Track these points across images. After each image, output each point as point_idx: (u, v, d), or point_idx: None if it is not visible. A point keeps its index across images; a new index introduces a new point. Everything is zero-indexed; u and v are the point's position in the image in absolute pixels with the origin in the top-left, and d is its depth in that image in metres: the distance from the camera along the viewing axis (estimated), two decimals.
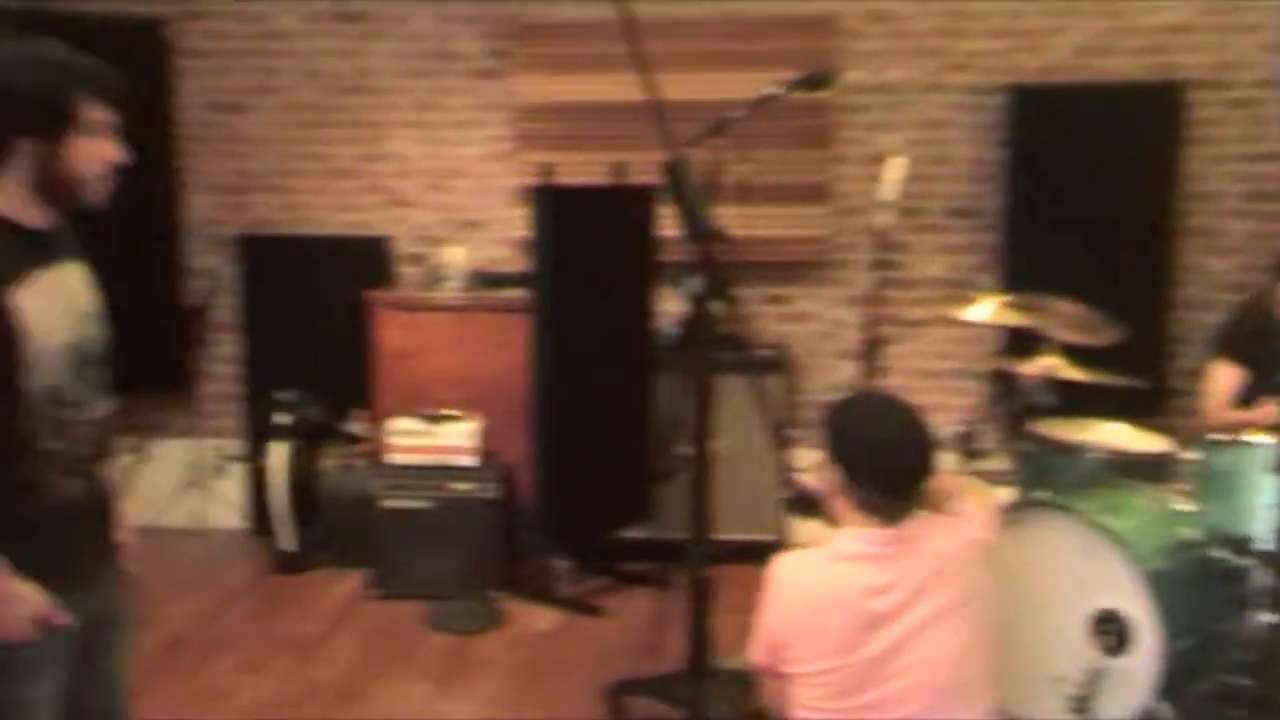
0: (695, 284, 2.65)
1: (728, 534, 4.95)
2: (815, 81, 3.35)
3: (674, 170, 2.64)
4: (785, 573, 2.37)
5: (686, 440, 3.55)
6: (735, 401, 4.94)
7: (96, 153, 2.17)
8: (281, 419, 5.15)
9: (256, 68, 5.48)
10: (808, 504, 2.88)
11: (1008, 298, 4.06)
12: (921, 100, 5.25)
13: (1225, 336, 3.99)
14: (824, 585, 2.32)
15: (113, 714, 2.42)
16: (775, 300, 5.43)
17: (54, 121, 2.12)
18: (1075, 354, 3.93)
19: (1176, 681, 3.32)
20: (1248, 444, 3.33)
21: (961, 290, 5.31)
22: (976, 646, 2.33)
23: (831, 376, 5.37)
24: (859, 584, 2.29)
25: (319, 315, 5.42)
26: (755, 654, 2.44)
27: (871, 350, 4.11)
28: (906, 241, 5.27)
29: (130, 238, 4.62)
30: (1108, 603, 3.35)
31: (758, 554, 4.98)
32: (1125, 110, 5.02)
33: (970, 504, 2.45)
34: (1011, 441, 4.13)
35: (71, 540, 2.24)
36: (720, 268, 2.62)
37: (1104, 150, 4.99)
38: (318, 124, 5.49)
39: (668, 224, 4.79)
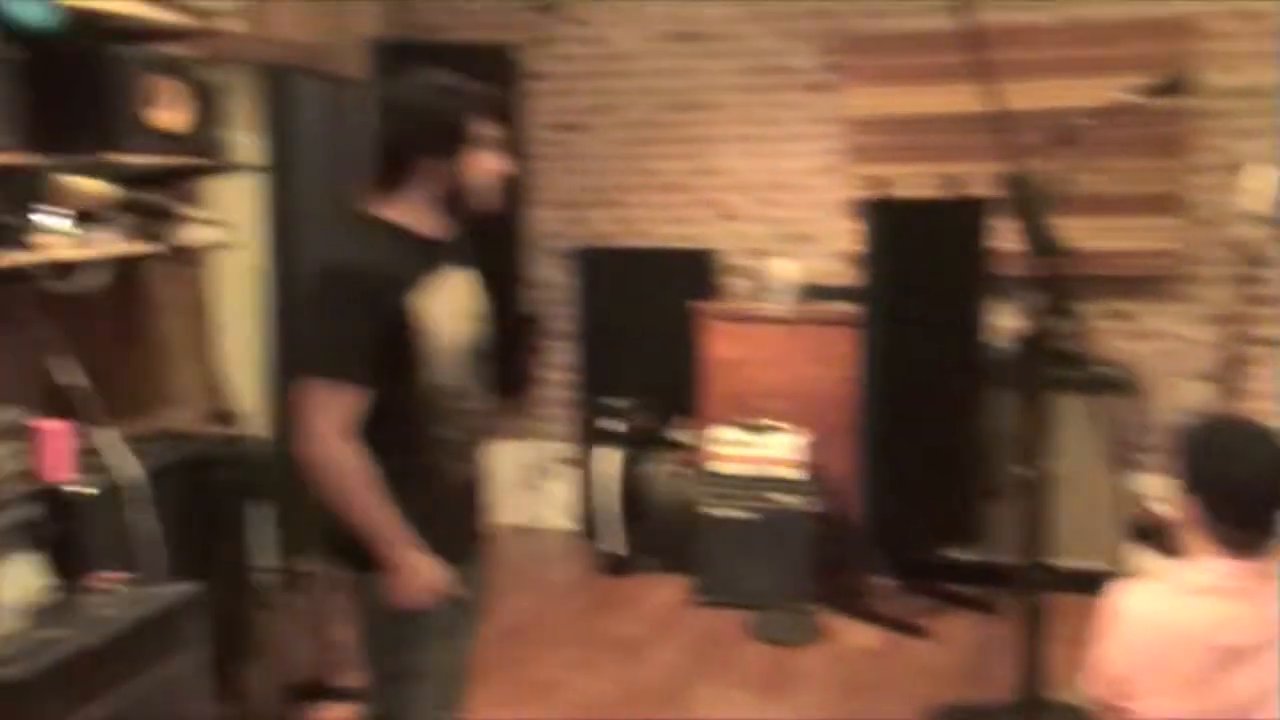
0: (1036, 299, 2.55)
1: (1062, 560, 4.76)
2: (1174, 87, 3.18)
3: (1017, 183, 2.56)
4: (1129, 603, 2.26)
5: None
6: (1075, 422, 4.75)
7: (487, 165, 2.41)
8: (612, 425, 5.34)
9: (597, 88, 5.72)
10: (1152, 533, 2.72)
11: None
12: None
13: None
14: (1172, 619, 2.20)
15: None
16: (1120, 316, 5.15)
17: (452, 141, 2.36)
18: None
19: None
20: None
21: None
22: None
23: (1179, 398, 5.04)
24: (1210, 619, 2.16)
25: (649, 325, 5.58)
26: (1093, 687, 2.33)
27: (1229, 371, 3.84)
28: (1272, 256, 4.87)
29: (479, 250, 4.91)
30: None
31: (1092, 583, 4.76)
32: None
33: None
34: None
35: (457, 521, 2.51)
36: (1063, 282, 2.52)
37: None
38: (652, 140, 5.67)
39: (1003, 237, 4.68)
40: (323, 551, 2.52)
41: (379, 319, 2.29)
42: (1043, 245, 2.56)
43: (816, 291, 5.17)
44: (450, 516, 2.47)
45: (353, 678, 4.05)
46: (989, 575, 4.86)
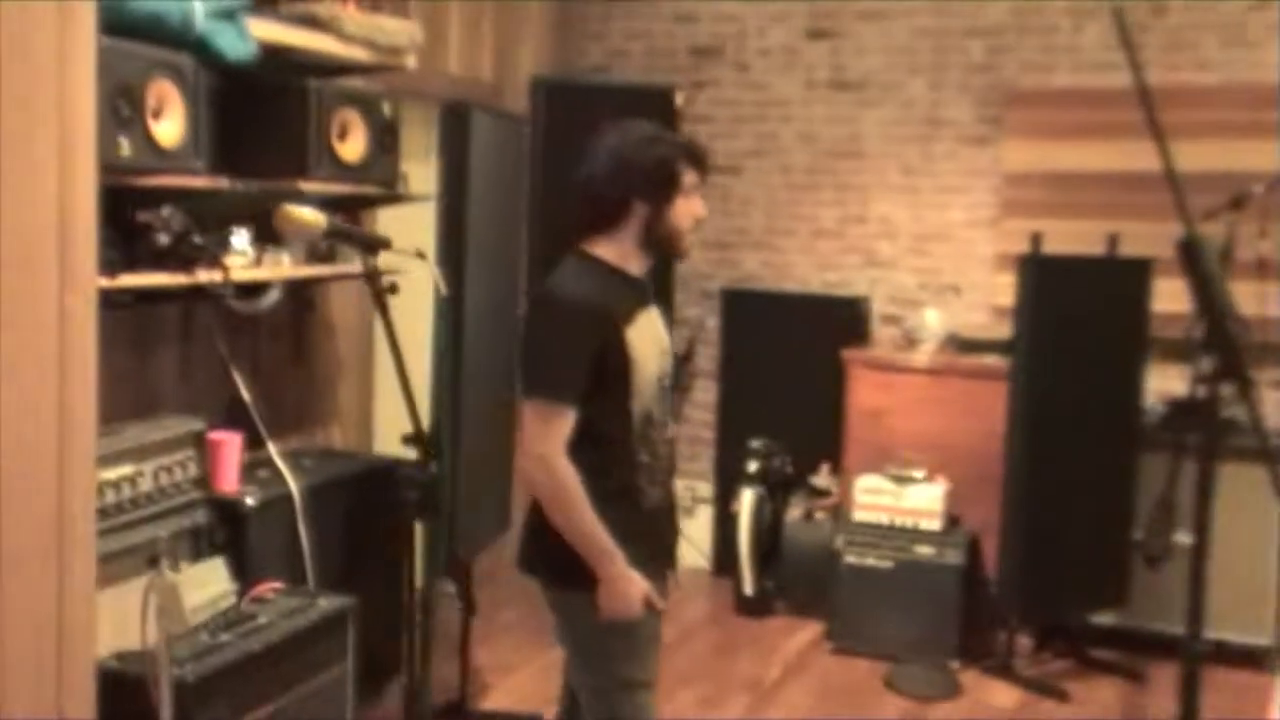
0: (1207, 363, 2.51)
1: (1217, 632, 4.62)
2: None
3: (1192, 247, 2.53)
4: None
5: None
6: (1239, 492, 4.60)
7: (691, 210, 2.62)
8: (751, 466, 5.37)
9: (755, 132, 5.79)
10: None
11: None
12: None
13: None
14: None
15: None
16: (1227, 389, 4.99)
17: (666, 187, 2.56)
18: None
19: None
20: None
21: None
22: None
23: None
24: None
25: (793, 369, 5.60)
26: None
27: None
28: None
29: None
30: None
31: (1250, 658, 4.63)
32: None
33: None
34: None
35: (655, 540, 2.66)
36: (1237, 348, 2.46)
37: None
38: (807, 186, 5.72)
39: (1164, 298, 4.59)
40: (533, 570, 2.68)
41: (596, 347, 2.47)
42: (1216, 310, 2.51)
43: (964, 344, 5.14)
44: (649, 535, 2.62)
45: (490, 699, 4.15)
46: (1133, 641, 4.75)
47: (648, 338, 2.60)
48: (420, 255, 2.71)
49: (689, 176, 2.60)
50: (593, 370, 2.48)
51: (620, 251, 2.61)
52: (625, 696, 2.63)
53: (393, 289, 2.46)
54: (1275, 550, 4.68)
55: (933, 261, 5.51)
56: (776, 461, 5.38)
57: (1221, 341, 2.45)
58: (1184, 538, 4.61)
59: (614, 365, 2.50)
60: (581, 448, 2.48)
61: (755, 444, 5.41)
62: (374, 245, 2.47)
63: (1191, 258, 2.53)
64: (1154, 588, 4.71)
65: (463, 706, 4.12)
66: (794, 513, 5.33)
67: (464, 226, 3.60)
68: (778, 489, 5.37)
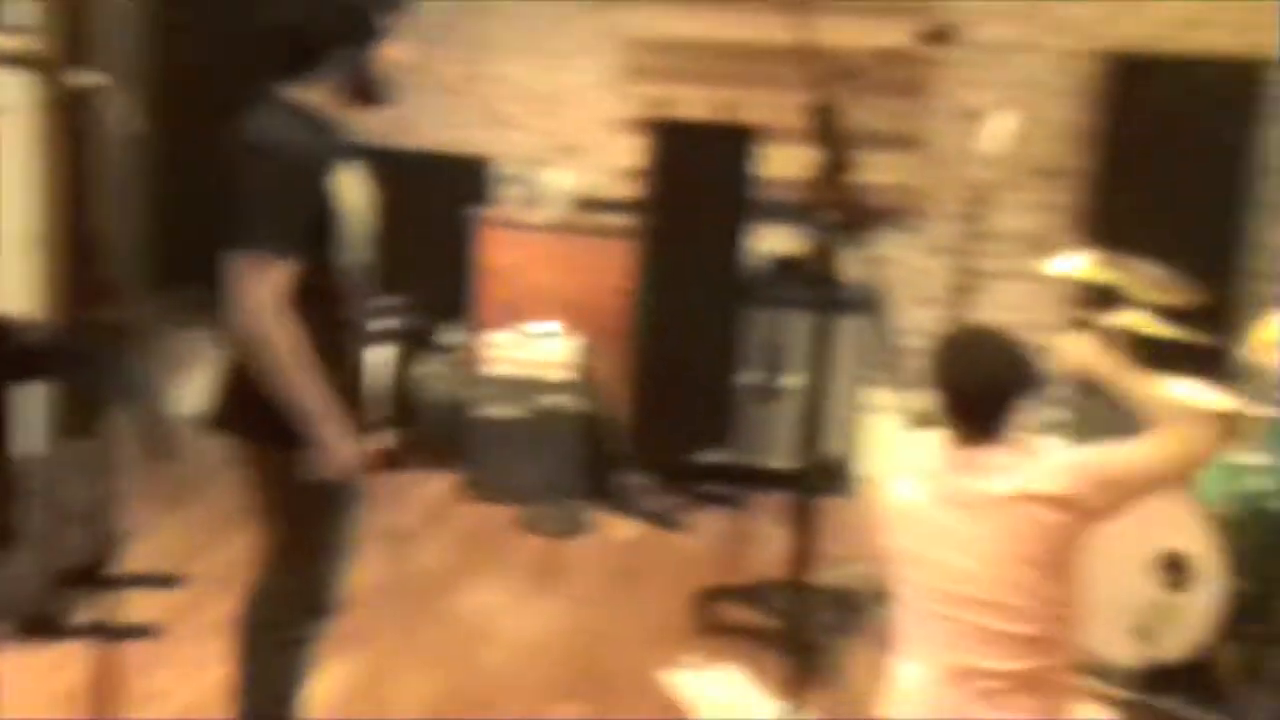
0: (826, 221, 2.86)
1: (800, 463, 5.24)
2: (941, 35, 3.53)
3: (823, 112, 2.85)
4: (886, 488, 2.61)
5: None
6: (819, 338, 5.19)
7: (393, 55, 2.54)
8: (380, 324, 5.41)
9: None
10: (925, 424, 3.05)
11: (1096, 255, 4.27)
12: (1017, 60, 5.43)
13: None
14: (910, 500, 2.53)
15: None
16: (864, 242, 5.64)
17: (365, 29, 2.48)
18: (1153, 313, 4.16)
19: (1235, 622, 3.58)
20: None
21: (1042, 247, 5.53)
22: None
23: (910, 320, 5.59)
24: (935, 500, 2.48)
25: (419, 228, 5.64)
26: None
27: (959, 298, 4.34)
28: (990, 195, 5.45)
29: None
30: (1175, 542, 3.60)
31: (832, 486, 5.28)
32: (1211, 84, 5.19)
33: (1057, 454, 2.54)
34: (1084, 393, 4.38)
35: (357, 400, 2.62)
36: (856, 207, 2.83)
37: (1188, 121, 5.17)
38: (426, 42, 5.69)
39: (774, 165, 5.05)
40: (232, 427, 2.59)
41: (309, 197, 2.40)
42: (841, 171, 2.86)
43: (591, 204, 5.40)
44: (354, 394, 2.58)
45: (125, 564, 4.04)
46: (736, 475, 5.30)
47: (354, 189, 2.55)
48: None
49: (388, 18, 2.52)
50: (305, 221, 2.41)
51: (321, 98, 2.51)
52: (317, 559, 2.62)
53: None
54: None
55: (557, 122, 5.70)
56: (406, 319, 5.46)
57: (844, 200, 2.80)
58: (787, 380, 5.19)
59: (325, 217, 2.44)
60: (292, 303, 2.41)
61: (384, 301, 5.45)
62: None
63: (824, 121, 2.86)
64: (754, 427, 5.27)
65: (95, 571, 4.00)
66: (426, 368, 5.44)
67: None
68: (409, 346, 5.46)
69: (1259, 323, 4.18)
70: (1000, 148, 4.21)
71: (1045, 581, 2.38)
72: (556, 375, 5.10)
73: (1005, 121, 4.21)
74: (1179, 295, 4.30)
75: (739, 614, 4.00)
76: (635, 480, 5.09)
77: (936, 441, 2.52)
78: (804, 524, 3.87)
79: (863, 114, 5.26)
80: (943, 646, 2.44)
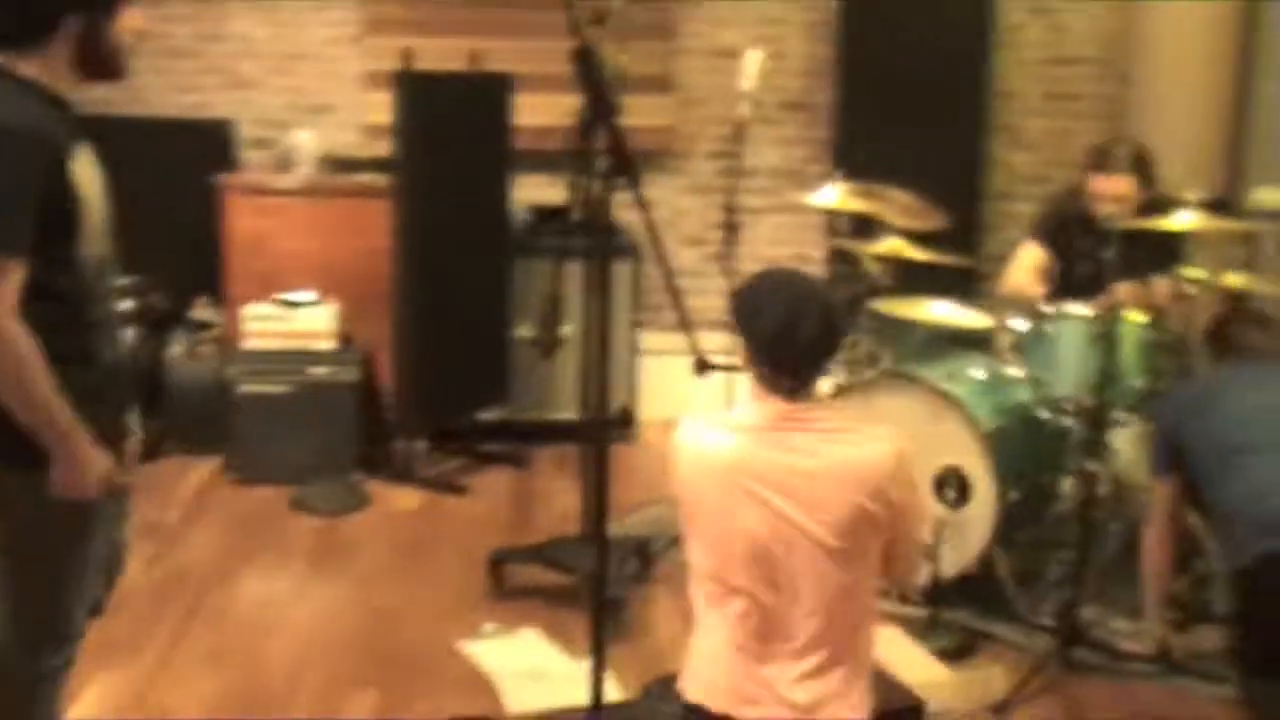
0: (601, 168, 2.79)
1: (579, 413, 5.19)
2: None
3: (585, 55, 2.76)
4: (684, 435, 2.41)
5: (550, 323, 3.70)
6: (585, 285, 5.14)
7: (132, 23, 2.28)
8: (123, 305, 5.04)
9: None
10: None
11: (851, 185, 4.35)
12: None
13: (1039, 221, 4.35)
14: (710, 452, 2.34)
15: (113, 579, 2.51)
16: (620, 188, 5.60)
17: None
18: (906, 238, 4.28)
19: (1008, 530, 3.75)
20: (1070, 315, 3.72)
21: (796, 180, 5.63)
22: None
23: (674, 263, 5.59)
24: (739, 455, 2.30)
25: (157, 200, 5.27)
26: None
27: (729, 235, 4.36)
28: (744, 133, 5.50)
29: None
30: (950, 461, 3.73)
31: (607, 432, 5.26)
32: (944, 14, 5.36)
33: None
34: (853, 320, 4.49)
35: (114, 407, 2.36)
36: (628, 153, 2.76)
37: (926, 50, 5.32)
38: (154, 1, 5.31)
39: (524, 113, 4.93)
40: None
41: (43, 185, 2.11)
42: (610, 116, 2.78)
43: (341, 163, 5.16)
44: (106, 401, 2.31)
45: None
46: (515, 432, 5.22)
47: (91, 173, 2.25)
48: None
49: None
50: (40, 213, 2.11)
51: (51, 71, 2.21)
52: (54, 586, 2.31)
53: None
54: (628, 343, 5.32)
55: (299, 80, 5.42)
56: (151, 298, 5.11)
57: (615, 143, 2.72)
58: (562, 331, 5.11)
59: (62, 207, 2.15)
60: (28, 306, 2.11)
61: (124, 281, 5.08)
62: None
63: (586, 65, 2.77)
64: (531, 381, 5.19)
65: None
66: (176, 349, 5.12)
67: None
68: (156, 327, 5.11)
69: (1017, 248, 4.35)
70: (754, 84, 4.22)
71: (860, 550, 2.31)
72: (320, 345, 4.88)
73: (757, 58, 4.22)
74: (929, 219, 4.45)
75: (533, 575, 3.93)
76: (412, 447, 4.93)
77: (728, 388, 2.45)
78: (595, 476, 3.85)
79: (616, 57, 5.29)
80: (740, 610, 2.31)
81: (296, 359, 4.84)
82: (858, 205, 4.34)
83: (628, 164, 2.72)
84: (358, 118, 5.35)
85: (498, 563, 3.94)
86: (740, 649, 2.31)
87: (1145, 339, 3.66)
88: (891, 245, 4.11)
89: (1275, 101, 5.21)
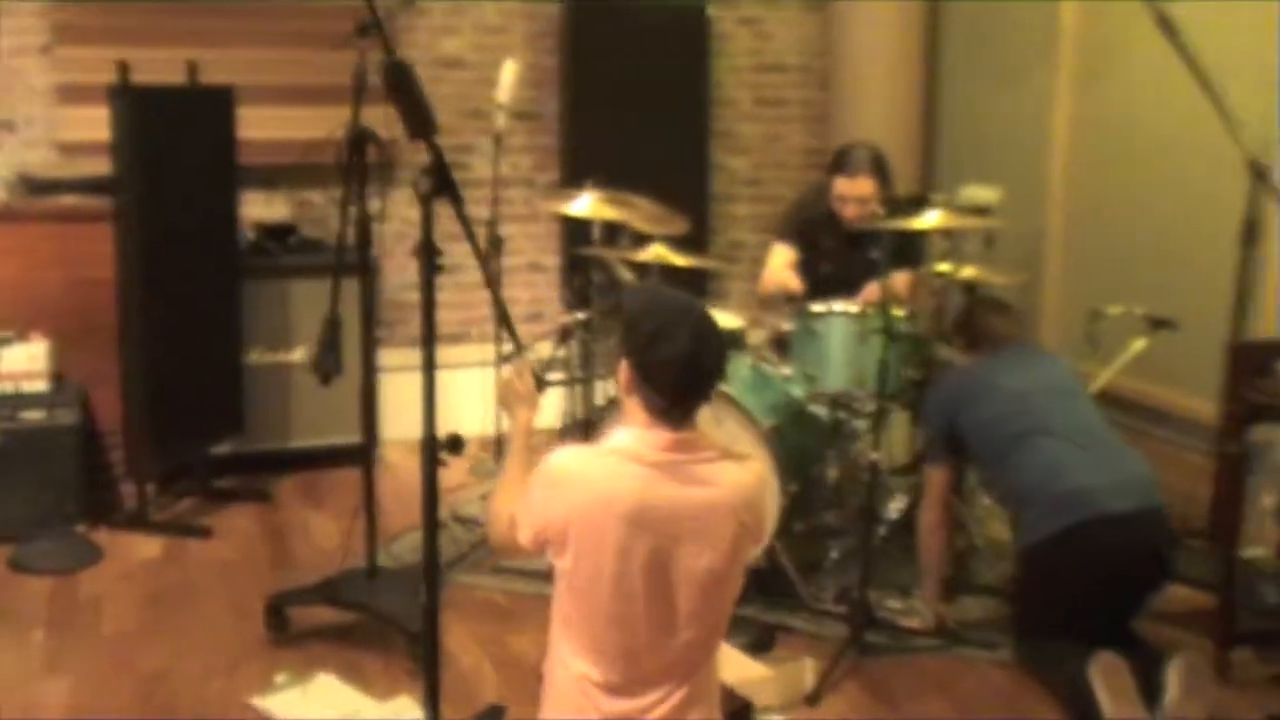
0: (424, 184, 2.65)
1: (317, 440, 4.97)
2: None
3: (399, 71, 2.62)
4: (576, 468, 2.29)
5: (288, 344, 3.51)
6: (320, 306, 4.90)
7: None
8: None
9: None
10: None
11: (600, 193, 4.37)
12: (481, 6, 5.40)
13: (785, 222, 4.53)
14: (598, 480, 2.25)
15: None
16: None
17: None
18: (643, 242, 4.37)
19: (788, 523, 3.88)
20: (837, 313, 3.89)
21: (525, 188, 5.60)
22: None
23: (406, 276, 5.44)
24: (635, 486, 2.23)
25: None
26: (524, 539, 2.36)
27: (494, 246, 4.29)
28: (473, 143, 5.43)
29: None
30: None
31: (349, 458, 5.04)
32: (664, 23, 5.49)
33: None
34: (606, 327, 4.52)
35: None
36: (446, 168, 2.64)
37: (647, 59, 5.44)
38: None
39: (251, 126, 4.64)
40: None
41: None
42: (426, 131, 2.66)
43: (39, 185, 4.68)
44: None
45: None
46: (251, 464, 4.91)
47: None
48: None
49: None
50: None
51: None
52: None
53: None
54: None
55: None
56: None
57: (437, 162, 2.61)
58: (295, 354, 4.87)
59: None
60: None
61: None
62: None
63: (400, 81, 2.63)
64: (265, 411, 4.90)
65: None
66: None
67: None
68: None
69: (770, 250, 4.50)
70: (510, 95, 4.17)
71: (738, 568, 2.34)
72: (30, 386, 4.40)
73: (512, 69, 4.17)
74: (672, 225, 4.55)
75: (316, 615, 3.70)
76: (142, 490, 4.53)
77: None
78: (371, 507, 3.69)
79: (336, 69, 5.06)
80: (614, 643, 2.28)
81: (5, 403, 4.34)
82: (607, 213, 4.37)
83: (450, 184, 2.60)
84: (50, 134, 4.86)
85: (276, 607, 3.69)
86: (604, 684, 2.28)
87: (903, 332, 3.88)
88: (655, 251, 4.16)
89: (960, 102, 5.67)
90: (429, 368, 2.65)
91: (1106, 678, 3.04)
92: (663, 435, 2.25)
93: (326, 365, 3.46)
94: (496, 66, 5.39)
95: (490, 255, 4.34)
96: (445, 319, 5.52)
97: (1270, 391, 3.30)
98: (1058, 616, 3.27)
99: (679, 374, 2.23)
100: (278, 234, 4.95)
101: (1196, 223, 4.45)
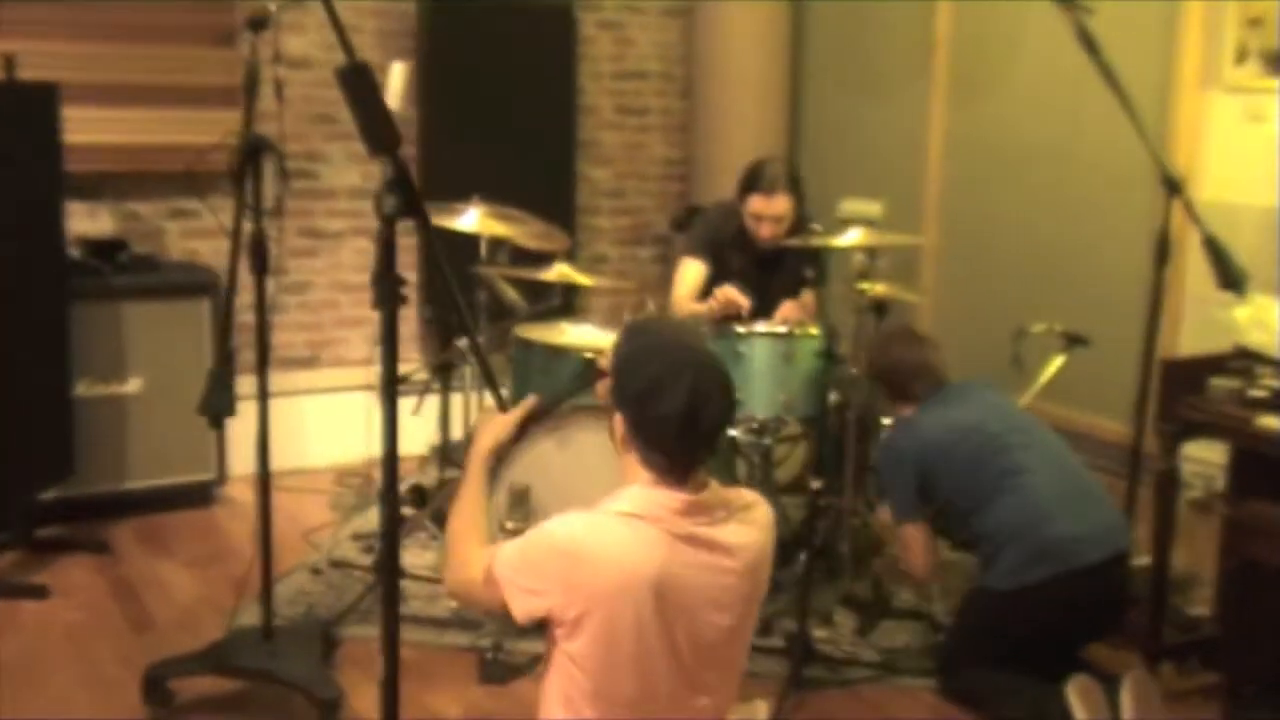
0: (388, 204, 2.31)
1: (156, 480, 4.49)
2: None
3: (358, 74, 2.28)
4: (581, 535, 2.02)
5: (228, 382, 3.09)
6: (156, 331, 4.43)
7: None
8: None
9: None
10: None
11: (484, 208, 4.08)
12: (335, 4, 4.98)
13: (696, 239, 4.28)
14: (625, 556, 1.99)
15: None
16: (181, 215, 4.89)
17: None
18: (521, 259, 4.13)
19: None
20: (762, 335, 3.71)
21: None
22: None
23: (246, 298, 4.97)
24: (656, 557, 2.00)
25: None
26: (517, 612, 2.06)
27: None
28: (321, 150, 5.02)
29: None
30: None
31: (198, 497, 4.57)
32: (527, 26, 5.21)
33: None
34: (495, 349, 4.22)
35: None
36: (413, 186, 2.31)
37: (511, 64, 5.14)
38: None
39: (74, 129, 4.12)
40: None
41: None
42: (387, 144, 2.32)
43: None
44: None
45: None
46: (83, 510, 4.37)
47: None
48: None
49: None
50: None
51: None
52: None
53: None
54: None
55: None
56: None
57: (401, 178, 2.28)
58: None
59: None
60: None
61: None
62: None
63: (360, 86, 2.29)
64: (97, 450, 4.37)
65: None
66: None
67: None
68: None
69: (680, 266, 4.26)
70: (401, 100, 3.81)
71: (741, 649, 2.20)
72: None
73: (402, 70, 3.82)
74: (555, 241, 4.30)
75: (200, 685, 3.26)
76: None
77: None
78: (267, 563, 3.25)
79: (174, 66, 4.58)
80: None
81: None
82: (493, 228, 4.09)
83: (417, 204, 2.28)
84: None
85: (156, 679, 3.22)
86: None
87: (819, 352, 3.73)
88: (559, 271, 3.90)
89: (827, 113, 5.60)
90: (390, 401, 2.29)
91: (1084, 697, 2.99)
92: (674, 497, 2.04)
93: (218, 405, 3.03)
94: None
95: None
96: (289, 341, 5.13)
97: (1203, 408, 3.30)
98: (1015, 653, 3.19)
99: (677, 433, 2.02)
100: (106, 251, 4.42)
101: (1081, 236, 4.49)
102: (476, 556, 2.15)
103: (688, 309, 4.13)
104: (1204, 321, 3.97)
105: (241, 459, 4.52)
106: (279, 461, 3.28)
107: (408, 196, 2.30)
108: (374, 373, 4.85)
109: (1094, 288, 4.41)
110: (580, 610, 2.00)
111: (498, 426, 2.36)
